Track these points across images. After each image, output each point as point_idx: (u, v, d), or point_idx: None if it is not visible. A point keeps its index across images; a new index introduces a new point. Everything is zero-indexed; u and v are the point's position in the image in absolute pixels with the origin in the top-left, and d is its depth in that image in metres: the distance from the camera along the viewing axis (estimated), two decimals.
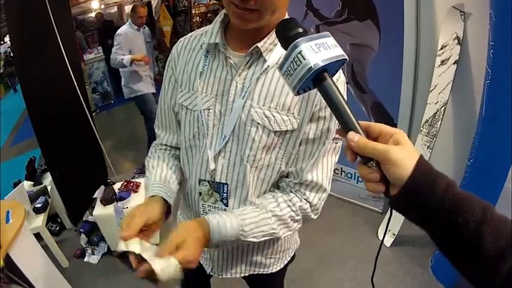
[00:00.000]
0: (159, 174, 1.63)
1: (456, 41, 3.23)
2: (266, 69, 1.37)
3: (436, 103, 3.39)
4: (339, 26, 4.03)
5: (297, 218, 1.52)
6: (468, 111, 3.36)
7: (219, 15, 1.47)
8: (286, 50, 0.93)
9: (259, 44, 1.35)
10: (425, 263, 3.58)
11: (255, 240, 1.47)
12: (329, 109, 0.96)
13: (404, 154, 0.83)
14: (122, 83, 5.91)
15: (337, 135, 1.26)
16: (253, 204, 1.50)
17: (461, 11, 3.19)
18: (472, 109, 3.25)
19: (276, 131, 1.41)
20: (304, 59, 0.87)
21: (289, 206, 1.50)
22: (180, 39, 1.63)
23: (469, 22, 3.19)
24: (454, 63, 3.26)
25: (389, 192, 0.87)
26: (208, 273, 1.83)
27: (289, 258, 1.93)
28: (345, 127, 0.90)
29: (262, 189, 1.57)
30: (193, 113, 1.52)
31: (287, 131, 1.41)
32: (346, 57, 0.92)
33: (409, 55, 3.57)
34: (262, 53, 1.37)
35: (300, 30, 1.02)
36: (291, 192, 1.53)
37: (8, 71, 18.51)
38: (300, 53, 0.87)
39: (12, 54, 17.50)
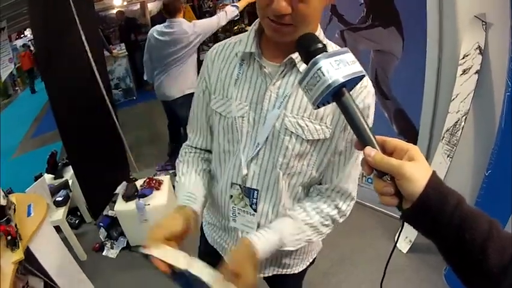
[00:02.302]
0: (188, 181, 1.68)
1: (478, 51, 3.21)
2: None
3: (457, 112, 3.38)
4: (363, 32, 4.04)
5: (326, 223, 1.60)
6: (488, 121, 3.34)
7: (254, 23, 1.51)
8: (306, 64, 0.96)
9: (293, 55, 1.39)
10: (440, 270, 3.57)
11: (293, 248, 1.56)
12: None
13: (417, 170, 0.86)
14: (167, 83, 5.39)
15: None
16: (286, 216, 1.57)
17: (483, 21, 3.18)
18: (492, 120, 3.24)
19: (308, 140, 1.45)
20: (324, 76, 0.89)
21: (317, 213, 1.57)
22: (214, 46, 1.68)
23: (490, 32, 3.17)
24: (475, 73, 3.24)
25: (402, 206, 0.91)
26: None
27: (311, 260, 1.97)
28: (362, 141, 0.94)
29: (293, 193, 1.63)
30: (227, 119, 1.56)
31: (319, 139, 1.46)
32: (365, 73, 0.95)
33: (431, 63, 3.56)
34: (296, 64, 1.41)
35: (320, 45, 1.04)
36: (321, 198, 1.60)
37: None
38: (320, 69, 0.90)
39: (32, 48, 17.67)
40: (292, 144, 1.46)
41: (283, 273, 1.88)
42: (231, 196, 1.66)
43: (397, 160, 0.88)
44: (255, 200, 1.61)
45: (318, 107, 0.97)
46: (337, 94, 0.93)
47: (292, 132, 1.44)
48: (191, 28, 5.01)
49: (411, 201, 0.87)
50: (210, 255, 1.91)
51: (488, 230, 0.82)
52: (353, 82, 0.95)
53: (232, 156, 1.63)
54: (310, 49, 1.04)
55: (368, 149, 0.91)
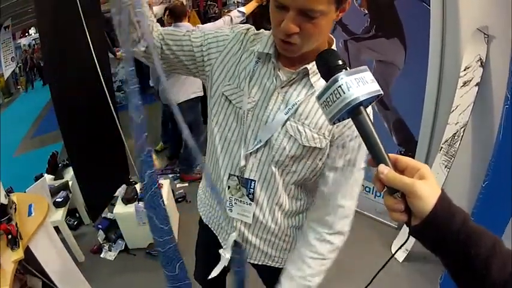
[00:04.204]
0: None
1: (479, 63, 3.24)
2: (312, 94, 1.48)
3: (456, 123, 3.40)
4: (366, 42, 4.10)
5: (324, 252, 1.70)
6: (486, 133, 3.37)
7: None
8: (326, 81, 0.98)
9: (308, 66, 1.47)
10: (435, 279, 3.59)
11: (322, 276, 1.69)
12: (358, 141, 1.01)
13: (428, 189, 0.88)
14: (172, 87, 5.26)
15: (365, 165, 1.46)
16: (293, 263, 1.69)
17: (485, 34, 3.21)
18: (491, 132, 3.27)
19: (305, 146, 1.51)
20: (344, 93, 0.92)
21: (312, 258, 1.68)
22: (249, 28, 1.72)
23: (492, 45, 3.20)
24: (475, 85, 3.27)
25: (410, 222, 0.93)
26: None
27: None
28: (376, 159, 0.96)
29: (287, 190, 1.69)
30: (235, 108, 1.63)
31: (315, 147, 1.52)
32: (382, 92, 0.97)
33: (433, 75, 3.60)
34: (309, 74, 1.48)
35: (340, 62, 1.05)
36: (313, 235, 1.69)
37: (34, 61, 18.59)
38: (340, 86, 0.92)
39: (36, 47, 17.71)
40: (290, 146, 1.53)
41: (273, 265, 1.94)
42: (229, 187, 1.73)
43: (409, 179, 0.90)
44: (251, 190, 1.67)
45: (334, 123, 1.00)
46: (354, 112, 0.95)
47: (291, 135, 1.52)
48: None
49: (420, 218, 0.89)
50: (209, 244, 2.02)
51: (492, 247, 0.84)
52: (370, 100, 0.97)
53: (230, 144, 1.69)
54: (330, 65, 1.05)
55: (382, 166, 0.93)
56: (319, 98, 0.99)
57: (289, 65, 1.53)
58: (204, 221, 2.04)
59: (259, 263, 1.92)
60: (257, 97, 1.57)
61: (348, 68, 1.01)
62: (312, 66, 1.47)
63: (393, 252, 3.94)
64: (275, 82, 1.54)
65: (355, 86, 0.92)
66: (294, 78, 1.51)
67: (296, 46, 1.36)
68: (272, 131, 1.54)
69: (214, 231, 1.99)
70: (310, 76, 1.49)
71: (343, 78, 0.92)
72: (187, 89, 5.26)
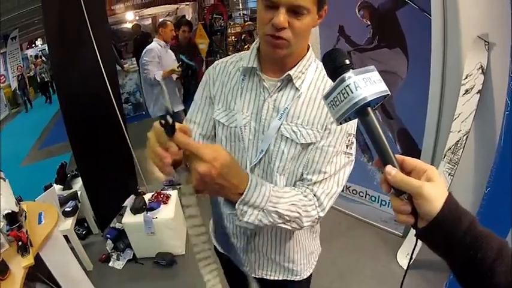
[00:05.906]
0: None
1: (480, 71, 3.26)
2: (299, 96, 1.56)
3: (459, 131, 3.42)
4: (369, 53, 4.14)
5: (310, 202, 1.54)
6: (489, 140, 3.38)
7: (255, 42, 1.65)
8: (333, 81, 0.97)
9: (290, 72, 1.55)
10: (440, 287, 3.59)
11: (281, 211, 1.42)
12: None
13: (435, 191, 0.88)
14: (150, 101, 5.92)
15: (351, 151, 1.54)
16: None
17: (485, 41, 3.24)
18: (493, 139, 3.27)
19: (302, 143, 1.57)
20: (352, 93, 0.91)
21: (304, 195, 1.55)
22: (217, 62, 1.81)
23: (493, 52, 3.23)
24: (477, 93, 3.29)
25: (417, 224, 0.93)
26: (242, 269, 1.93)
27: (315, 263, 2.06)
28: (383, 160, 0.95)
29: None
30: (230, 129, 1.67)
31: (311, 143, 1.57)
32: (389, 92, 0.95)
33: (435, 83, 3.62)
34: (293, 79, 1.56)
35: (347, 62, 1.02)
36: (300, 186, 1.61)
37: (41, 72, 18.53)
38: (347, 86, 0.91)
39: (43, 58, 17.77)
40: (288, 149, 1.58)
41: (292, 279, 1.97)
42: None
43: (417, 180, 0.90)
44: None
45: (341, 123, 0.99)
46: (362, 112, 0.94)
47: (287, 137, 1.57)
48: (144, 56, 5.42)
49: (427, 220, 0.89)
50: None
51: (499, 251, 0.85)
52: (377, 100, 0.96)
53: None
54: (337, 64, 1.02)
55: (389, 167, 0.93)
56: (326, 97, 0.98)
57: (272, 73, 1.61)
58: (219, 249, 2.08)
59: (280, 279, 1.95)
60: (250, 111, 1.63)
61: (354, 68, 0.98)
62: (293, 72, 1.56)
63: (398, 260, 3.98)
64: (263, 93, 1.61)
65: (363, 86, 0.91)
66: (279, 86, 1.59)
67: (286, 42, 1.42)
68: (270, 139, 1.59)
69: (227, 254, 2.02)
70: (294, 81, 1.57)
71: (351, 77, 0.92)
72: (159, 105, 5.70)
